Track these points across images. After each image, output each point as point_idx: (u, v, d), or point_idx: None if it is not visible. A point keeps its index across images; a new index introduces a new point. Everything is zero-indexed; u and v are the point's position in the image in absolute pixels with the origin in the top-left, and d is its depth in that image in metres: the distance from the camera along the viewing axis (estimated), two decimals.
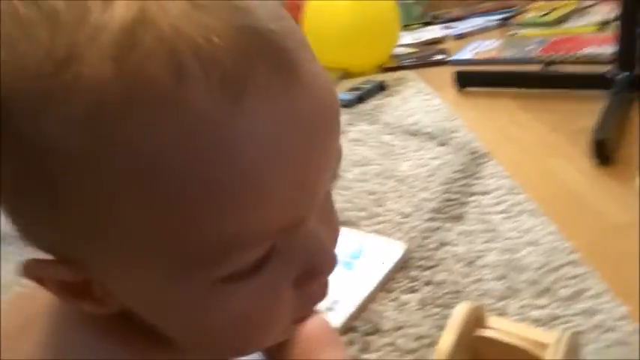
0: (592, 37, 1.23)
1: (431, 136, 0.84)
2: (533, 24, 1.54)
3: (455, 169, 0.71)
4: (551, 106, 0.94)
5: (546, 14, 1.57)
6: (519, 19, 1.61)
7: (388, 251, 0.54)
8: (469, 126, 0.87)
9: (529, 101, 0.97)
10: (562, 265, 0.49)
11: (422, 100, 1.02)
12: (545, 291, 0.46)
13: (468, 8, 1.91)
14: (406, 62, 1.32)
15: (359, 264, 0.53)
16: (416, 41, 1.54)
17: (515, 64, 1.20)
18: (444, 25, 1.75)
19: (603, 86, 0.89)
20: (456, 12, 1.90)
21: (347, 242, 0.57)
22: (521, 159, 0.75)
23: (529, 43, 1.30)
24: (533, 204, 0.60)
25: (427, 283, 0.50)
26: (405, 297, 0.49)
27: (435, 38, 1.57)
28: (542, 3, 1.70)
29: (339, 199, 0.68)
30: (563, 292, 0.46)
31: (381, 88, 1.11)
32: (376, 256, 0.54)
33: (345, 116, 1.01)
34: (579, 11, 1.59)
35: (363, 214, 0.63)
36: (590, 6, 1.63)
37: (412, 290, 0.50)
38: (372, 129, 0.91)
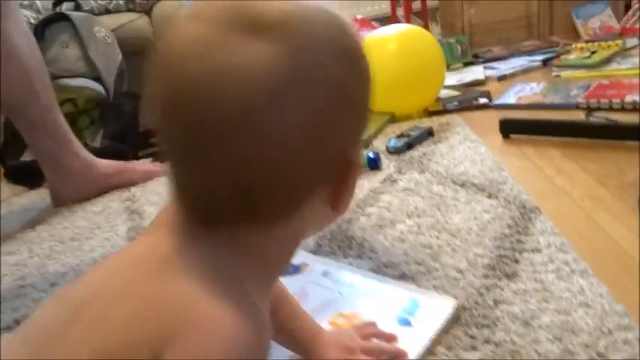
0: (637, 83, 1.25)
1: (479, 188, 0.88)
2: (576, 65, 1.56)
3: (506, 224, 0.75)
4: (598, 156, 0.96)
5: (590, 56, 1.59)
6: (562, 60, 1.64)
7: (442, 307, 0.58)
8: (516, 177, 0.91)
9: (575, 150, 1.00)
10: (615, 329, 0.52)
11: (468, 148, 1.06)
12: (600, 355, 0.50)
13: (510, 47, 1.95)
14: (450, 106, 1.37)
15: (415, 320, 0.58)
16: (458, 83, 1.59)
17: (559, 110, 1.23)
18: (485, 64, 1.79)
19: None
20: (497, 51, 1.94)
21: (403, 297, 0.61)
22: (569, 213, 0.78)
23: (573, 87, 1.33)
24: (583, 264, 0.63)
25: (486, 342, 0.54)
26: (465, 354, 0.53)
27: (477, 80, 1.61)
28: (585, 44, 1.72)
29: (396, 251, 0.73)
30: (618, 357, 0.49)
31: (429, 134, 1.16)
32: (431, 311, 0.58)
33: (394, 163, 1.06)
34: (623, 53, 1.61)
35: (420, 268, 0.68)
36: (634, 47, 1.65)
37: (472, 348, 0.54)
38: (422, 178, 0.96)
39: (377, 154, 1.05)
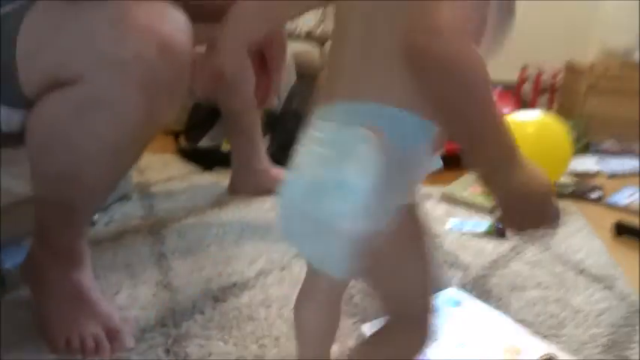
0: None
1: (596, 278, 1.06)
2: None
3: (620, 315, 0.94)
4: None
5: None
6: None
7: None
8: (628, 275, 1.09)
9: None
10: None
11: (585, 239, 1.25)
12: None
13: (622, 144, 2.09)
14: (566, 192, 1.55)
15: None
16: (571, 170, 1.75)
17: None
18: (597, 156, 1.95)
19: None
20: (610, 144, 2.08)
21: (541, 349, 0.81)
22: None
23: None
24: None
25: None
26: None
27: (589, 171, 1.78)
28: None
29: (529, 312, 0.93)
30: None
31: None
32: None
33: (518, 236, 1.25)
34: None
35: (548, 332, 0.88)
36: None
37: None
38: (545, 255, 1.15)
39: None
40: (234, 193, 1.42)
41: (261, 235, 1.18)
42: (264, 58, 1.04)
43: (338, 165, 0.46)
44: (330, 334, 0.65)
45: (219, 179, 1.52)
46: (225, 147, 1.58)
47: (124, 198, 1.33)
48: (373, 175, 0.45)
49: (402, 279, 0.55)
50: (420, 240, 0.56)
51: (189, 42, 0.73)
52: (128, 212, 1.28)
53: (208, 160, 1.59)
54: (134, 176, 1.42)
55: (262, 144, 1.40)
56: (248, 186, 1.40)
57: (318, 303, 0.63)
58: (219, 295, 0.94)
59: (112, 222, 1.21)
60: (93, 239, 1.06)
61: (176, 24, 0.72)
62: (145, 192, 1.41)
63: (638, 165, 1.86)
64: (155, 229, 1.19)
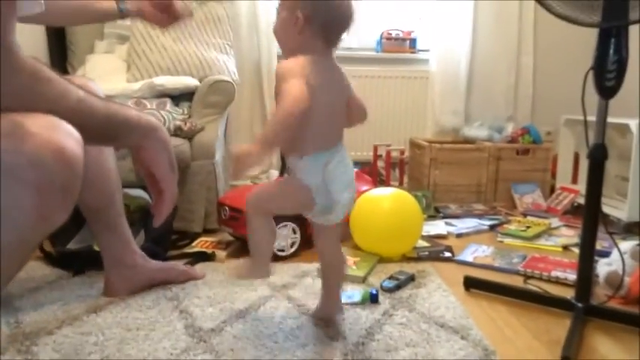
0: (559, 261, 1.70)
1: (454, 330, 1.23)
2: (515, 235, 2.03)
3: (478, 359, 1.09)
4: (534, 315, 1.35)
5: (525, 230, 2.07)
6: (505, 228, 2.11)
7: None
8: (478, 324, 1.27)
9: (518, 309, 1.38)
10: None
11: (442, 296, 1.43)
12: None
13: (464, 208, 2.43)
14: (423, 255, 1.76)
15: None
16: (426, 234, 2.00)
17: (505, 273, 1.64)
18: (444, 220, 2.24)
19: (568, 309, 1.32)
20: (454, 209, 2.41)
21: None
22: (517, 357, 1.14)
23: (514, 255, 1.77)
24: None
25: None
26: None
27: (440, 234, 2.04)
28: (521, 218, 2.22)
29: None
30: None
31: (412, 279, 1.52)
32: None
33: (389, 300, 1.40)
34: (549, 231, 2.11)
35: None
36: (557, 228, 2.16)
37: None
38: (412, 316, 1.30)
39: (377, 291, 1.38)
40: (110, 295, 1.37)
41: (145, 335, 1.17)
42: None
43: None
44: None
45: (92, 282, 1.46)
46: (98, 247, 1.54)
47: None
48: None
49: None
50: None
51: (80, 147, 0.80)
52: None
53: (79, 262, 1.52)
54: None
55: (131, 239, 1.40)
56: (124, 285, 1.37)
57: None
58: None
59: None
60: None
61: (67, 131, 0.79)
62: (8, 307, 1.30)
63: (478, 224, 2.18)
64: (25, 346, 1.11)
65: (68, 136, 0.79)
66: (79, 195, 1.27)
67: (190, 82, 2.12)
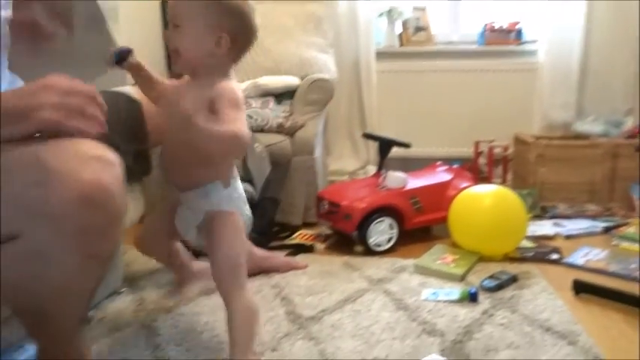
0: None
1: (561, 335, 1.16)
2: (633, 239, 1.86)
3: None
4: None
5: None
6: (622, 231, 1.94)
7: None
8: (589, 331, 1.19)
9: (635, 319, 1.27)
10: None
11: (548, 299, 1.36)
12: None
13: (574, 208, 2.27)
14: (527, 255, 1.68)
15: None
16: (531, 235, 1.90)
17: (620, 279, 1.52)
18: (552, 220, 2.11)
19: None
20: (563, 209, 2.26)
21: None
22: None
23: (632, 261, 1.62)
24: None
25: None
26: None
27: (547, 235, 1.93)
28: None
29: None
30: None
31: (514, 279, 1.47)
32: None
33: (488, 300, 1.36)
34: None
35: None
36: None
37: None
38: (514, 317, 1.25)
39: (477, 290, 1.35)
40: None
41: None
42: None
43: None
44: None
45: None
46: None
47: (115, 293, 1.38)
48: None
49: None
50: None
51: (113, 174, 0.73)
52: (120, 307, 1.33)
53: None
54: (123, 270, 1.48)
55: None
56: None
57: None
58: None
59: (105, 318, 1.26)
60: (89, 336, 1.11)
61: (95, 158, 0.72)
62: (133, 285, 1.46)
63: (590, 226, 2.03)
64: (148, 321, 1.24)
65: (97, 168, 0.71)
66: None
67: (292, 81, 2.20)
